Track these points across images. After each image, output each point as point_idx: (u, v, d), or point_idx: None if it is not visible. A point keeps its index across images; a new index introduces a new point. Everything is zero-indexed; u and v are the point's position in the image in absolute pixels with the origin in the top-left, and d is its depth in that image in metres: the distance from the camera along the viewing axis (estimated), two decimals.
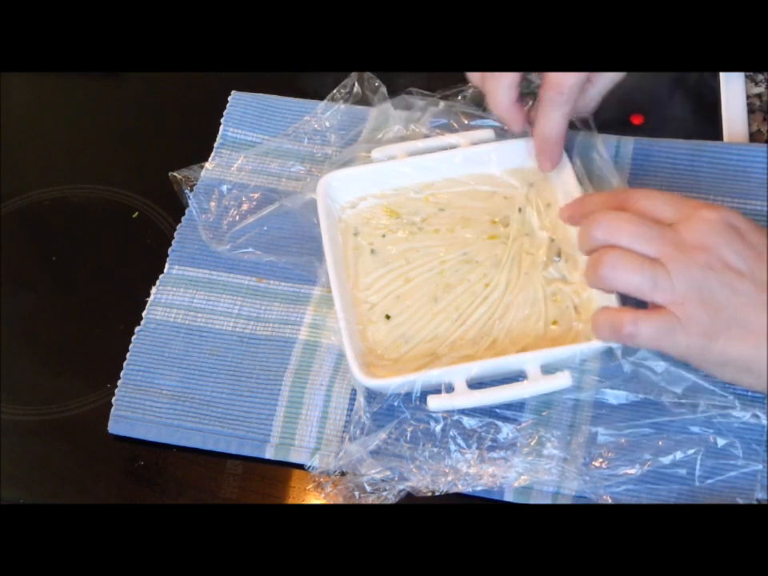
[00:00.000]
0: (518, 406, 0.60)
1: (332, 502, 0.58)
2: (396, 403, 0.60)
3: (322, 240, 0.65)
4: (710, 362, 0.53)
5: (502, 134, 0.68)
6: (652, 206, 0.55)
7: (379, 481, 0.58)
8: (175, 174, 0.72)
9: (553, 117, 0.62)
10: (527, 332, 0.61)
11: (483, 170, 0.68)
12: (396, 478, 0.58)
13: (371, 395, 0.60)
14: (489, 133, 0.68)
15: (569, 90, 0.61)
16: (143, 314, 0.67)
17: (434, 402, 0.58)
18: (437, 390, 0.58)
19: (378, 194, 0.68)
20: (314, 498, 0.60)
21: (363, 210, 0.68)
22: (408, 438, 0.59)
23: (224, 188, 0.72)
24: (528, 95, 0.67)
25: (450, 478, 0.58)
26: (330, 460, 0.59)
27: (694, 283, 0.52)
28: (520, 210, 0.67)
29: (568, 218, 0.60)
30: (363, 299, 0.64)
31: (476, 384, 0.59)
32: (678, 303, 0.52)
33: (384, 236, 0.67)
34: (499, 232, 0.66)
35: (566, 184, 0.65)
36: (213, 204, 0.71)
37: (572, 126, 0.69)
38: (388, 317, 0.63)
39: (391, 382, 0.59)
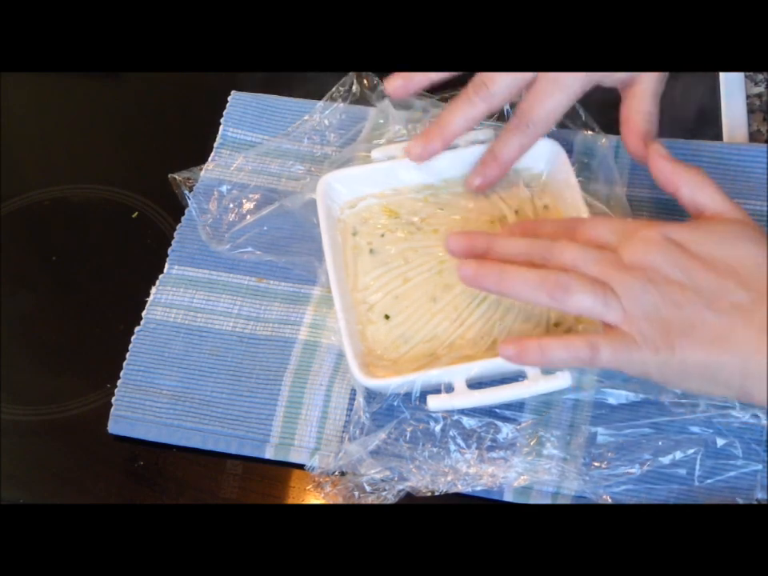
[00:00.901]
0: (518, 405, 0.61)
1: (331, 502, 0.58)
2: (396, 403, 0.60)
3: (322, 240, 0.65)
4: (673, 377, 0.53)
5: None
6: (596, 233, 0.57)
7: (379, 481, 0.58)
8: (175, 175, 0.72)
9: (512, 142, 0.64)
10: (528, 333, 0.61)
11: None
12: (396, 478, 0.58)
13: (371, 395, 0.60)
14: (488, 133, 0.68)
15: (536, 124, 0.63)
16: (143, 314, 0.67)
17: (434, 402, 0.58)
18: (436, 390, 0.58)
19: (378, 194, 0.68)
20: (314, 498, 0.60)
21: (362, 209, 0.68)
22: (407, 437, 0.59)
23: (224, 188, 0.72)
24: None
25: (449, 478, 0.58)
26: (330, 460, 0.59)
27: (638, 300, 0.53)
28: (517, 212, 0.67)
29: (519, 233, 0.61)
30: (362, 299, 0.64)
31: (476, 384, 0.59)
32: (629, 322, 0.53)
33: (383, 236, 0.67)
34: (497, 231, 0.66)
35: (566, 185, 0.65)
36: (212, 204, 0.71)
37: (570, 125, 0.69)
38: (387, 317, 0.63)
39: (391, 382, 0.59)
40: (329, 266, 0.64)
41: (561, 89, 0.62)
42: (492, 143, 0.65)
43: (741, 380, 0.52)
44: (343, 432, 0.61)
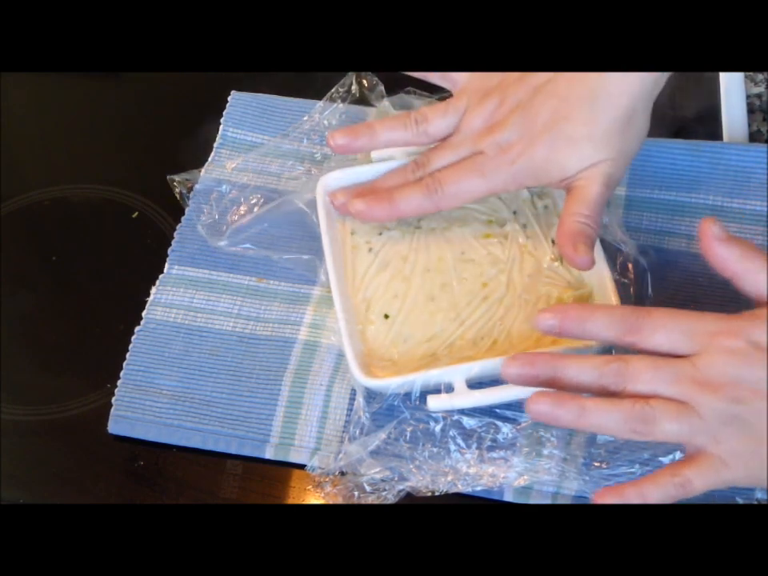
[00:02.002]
0: (518, 405, 0.60)
1: (331, 502, 0.58)
2: (396, 403, 0.60)
3: (322, 239, 0.65)
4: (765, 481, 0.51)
5: None
6: (665, 338, 0.51)
7: (379, 481, 0.58)
8: (174, 177, 0.72)
9: (413, 197, 0.63)
10: (528, 334, 0.61)
11: None
12: (396, 478, 0.58)
13: (371, 395, 0.60)
14: None
15: (444, 195, 0.62)
16: (143, 314, 0.67)
17: (434, 402, 0.58)
18: (436, 390, 0.58)
19: None
20: (314, 498, 0.60)
21: None
22: (407, 437, 0.59)
23: (224, 188, 0.72)
24: None
25: (449, 478, 0.58)
26: (330, 460, 0.59)
27: (727, 420, 0.49)
28: (515, 212, 0.67)
29: (559, 330, 0.54)
30: (362, 299, 0.64)
31: (476, 384, 0.59)
32: (716, 443, 0.50)
33: (381, 234, 0.67)
34: (495, 231, 0.66)
35: None
36: (212, 204, 0.71)
37: None
38: (387, 316, 0.63)
39: (391, 382, 0.59)
40: (328, 265, 0.64)
41: (483, 176, 0.62)
42: (393, 182, 0.64)
43: None
44: (343, 432, 0.61)
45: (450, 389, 0.58)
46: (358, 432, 0.60)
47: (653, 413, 0.50)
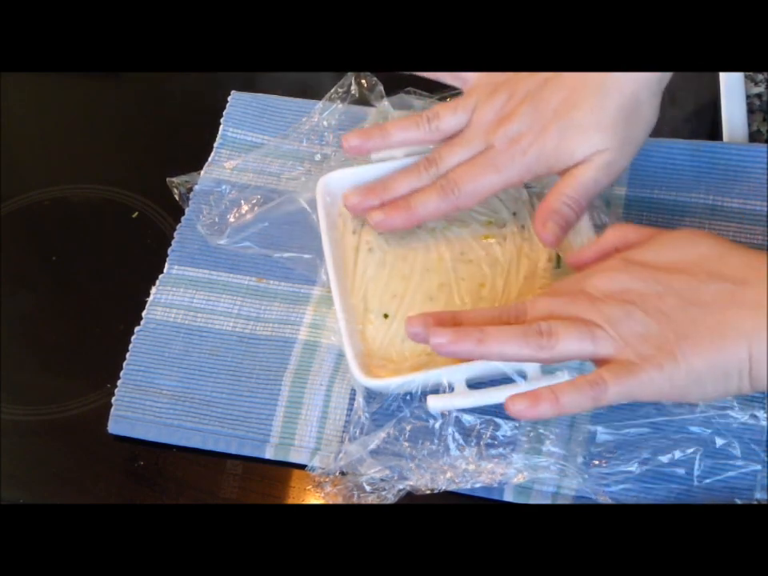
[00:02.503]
0: None
1: (331, 502, 0.58)
2: (395, 402, 0.60)
3: (322, 239, 0.65)
4: (687, 389, 0.52)
5: None
6: (553, 289, 0.57)
7: (378, 480, 0.58)
8: (173, 179, 0.72)
9: (431, 201, 0.63)
10: None
11: None
12: (395, 477, 0.58)
13: (370, 395, 0.60)
14: None
15: (461, 195, 0.62)
16: (143, 314, 0.67)
17: (434, 402, 0.58)
18: (436, 390, 0.58)
19: None
20: (314, 498, 0.60)
21: None
22: (407, 436, 0.59)
23: (224, 188, 0.72)
24: None
25: (449, 476, 0.58)
26: (330, 460, 0.59)
27: (624, 324, 0.52)
28: (515, 213, 0.67)
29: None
30: (361, 298, 0.64)
31: (476, 384, 0.59)
32: (622, 348, 0.52)
33: (381, 234, 0.67)
34: (494, 232, 0.66)
35: None
36: (212, 204, 0.71)
37: None
38: (386, 315, 0.63)
39: (390, 382, 0.59)
40: (328, 265, 0.64)
41: (498, 170, 0.62)
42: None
43: (750, 364, 0.50)
44: (343, 432, 0.61)
45: (449, 388, 0.58)
46: (357, 432, 0.60)
47: (551, 327, 0.53)
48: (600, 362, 0.53)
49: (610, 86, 0.60)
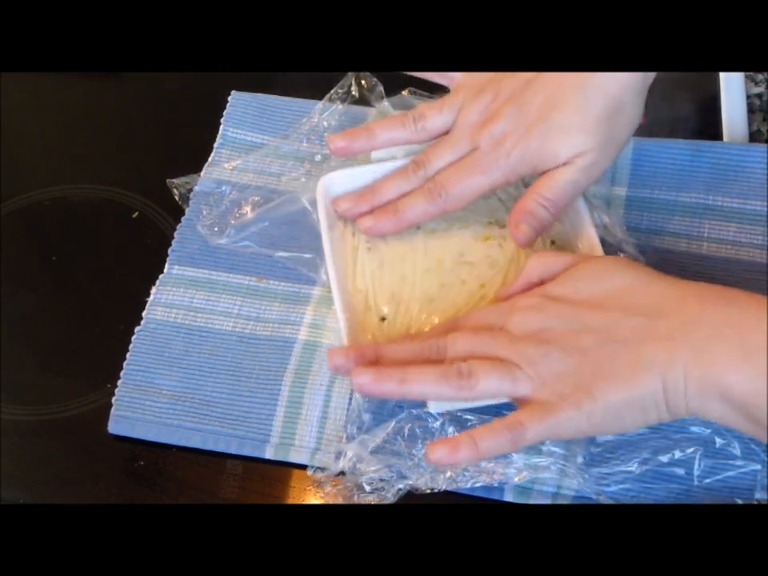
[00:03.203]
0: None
1: (331, 502, 0.58)
2: (394, 402, 0.60)
3: (322, 240, 0.65)
4: (605, 424, 0.52)
5: None
6: (478, 319, 0.57)
7: (378, 480, 0.58)
8: (173, 181, 0.72)
9: (418, 205, 0.64)
10: None
11: None
12: (395, 477, 0.58)
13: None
14: None
15: (448, 197, 0.63)
16: (143, 314, 0.67)
17: (434, 402, 0.58)
18: None
19: None
20: (314, 498, 0.60)
21: None
22: (406, 435, 0.59)
23: (224, 189, 0.72)
24: None
25: (448, 475, 0.58)
26: (330, 460, 0.59)
27: (541, 364, 0.53)
28: None
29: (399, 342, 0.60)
30: (361, 299, 0.64)
31: None
32: (540, 388, 0.52)
33: None
34: (494, 233, 0.66)
35: None
36: (212, 204, 0.71)
37: None
38: (385, 317, 0.63)
39: None
40: (329, 265, 0.64)
41: (484, 172, 0.62)
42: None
43: (665, 396, 0.50)
44: (343, 432, 0.61)
45: None
46: (355, 430, 0.60)
47: (471, 367, 0.54)
48: (519, 401, 0.54)
49: (591, 87, 0.60)
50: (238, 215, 0.70)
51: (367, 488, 0.58)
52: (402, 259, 0.66)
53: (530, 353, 0.53)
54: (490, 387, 0.53)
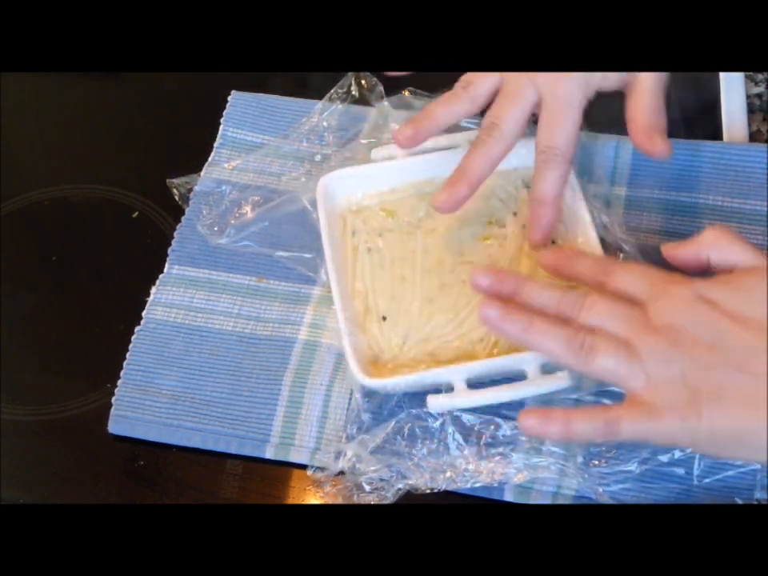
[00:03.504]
0: (518, 403, 0.60)
1: (331, 502, 0.58)
2: (394, 402, 0.60)
3: (322, 240, 0.65)
4: (701, 444, 0.51)
5: None
6: (628, 282, 0.54)
7: (378, 480, 0.58)
8: (173, 181, 0.72)
9: (550, 177, 0.62)
10: None
11: None
12: (395, 477, 0.58)
13: (369, 394, 0.60)
14: None
15: (563, 151, 0.61)
16: (143, 314, 0.67)
17: (434, 402, 0.58)
18: (436, 390, 0.58)
19: (376, 194, 0.68)
20: (314, 498, 0.60)
21: (361, 209, 0.68)
22: (406, 435, 0.59)
23: (224, 188, 0.72)
24: None
25: (448, 475, 0.58)
26: (330, 460, 0.59)
27: (662, 366, 0.50)
28: (515, 213, 0.67)
29: (551, 269, 0.59)
30: (361, 299, 0.64)
31: (476, 384, 0.59)
32: (651, 389, 0.50)
33: (381, 235, 0.67)
34: (494, 233, 0.66)
35: (566, 185, 0.65)
36: (212, 204, 0.71)
37: None
38: (385, 317, 0.63)
39: (389, 382, 0.59)
40: (329, 265, 0.64)
41: (570, 104, 0.61)
42: (533, 190, 0.63)
43: None
44: (343, 432, 0.61)
45: (449, 388, 0.58)
46: (355, 430, 0.60)
47: (594, 342, 0.52)
48: (627, 393, 0.52)
49: None
50: (237, 215, 0.70)
51: (367, 488, 0.58)
52: (402, 259, 0.66)
53: (658, 352, 0.50)
54: (605, 369, 0.51)
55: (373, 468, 0.58)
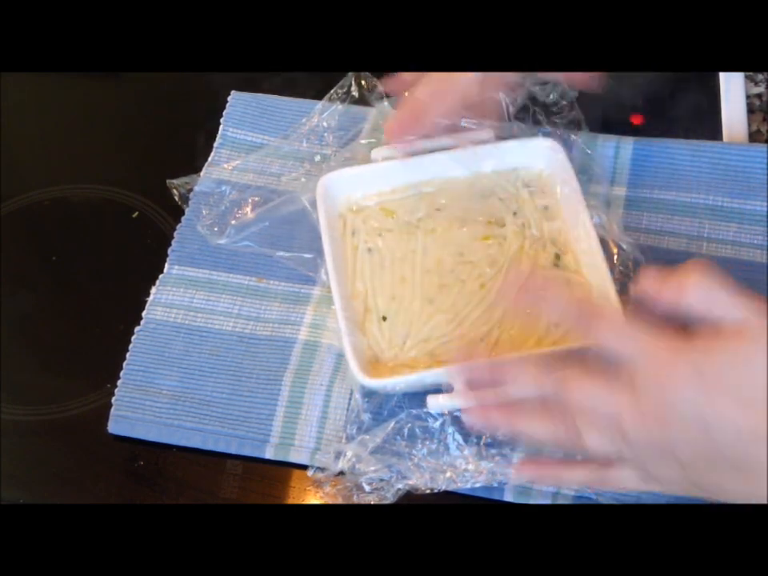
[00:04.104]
0: None
1: (331, 502, 0.58)
2: (394, 402, 0.60)
3: (322, 240, 0.65)
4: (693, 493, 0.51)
5: (501, 135, 0.68)
6: (615, 340, 0.50)
7: (378, 480, 0.58)
8: (173, 182, 0.72)
9: None
10: (529, 334, 0.61)
11: (480, 170, 0.68)
12: (395, 477, 0.58)
13: (369, 394, 0.60)
14: (488, 133, 0.68)
15: None
16: (143, 314, 0.67)
17: (434, 402, 0.58)
18: (435, 390, 0.58)
19: (376, 194, 0.68)
20: (314, 498, 0.60)
21: (361, 209, 0.68)
22: (406, 435, 0.59)
23: (224, 188, 0.72)
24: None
25: (448, 475, 0.58)
26: (330, 461, 0.59)
27: (649, 449, 0.49)
28: (515, 213, 0.67)
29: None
30: (361, 299, 0.64)
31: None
32: (643, 465, 0.51)
33: (380, 235, 0.67)
34: (494, 233, 0.66)
35: (566, 185, 0.65)
36: (212, 204, 0.71)
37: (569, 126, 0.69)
38: (385, 317, 0.63)
39: (389, 382, 0.59)
40: (329, 265, 0.64)
41: None
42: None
43: None
44: (343, 432, 0.61)
45: (449, 389, 0.58)
46: (355, 431, 0.60)
47: (579, 431, 0.50)
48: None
49: None
50: (238, 215, 0.70)
51: (367, 488, 0.58)
52: (402, 259, 0.66)
53: (644, 456, 0.50)
54: (595, 446, 0.50)
55: (373, 468, 0.58)
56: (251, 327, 0.66)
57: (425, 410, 0.59)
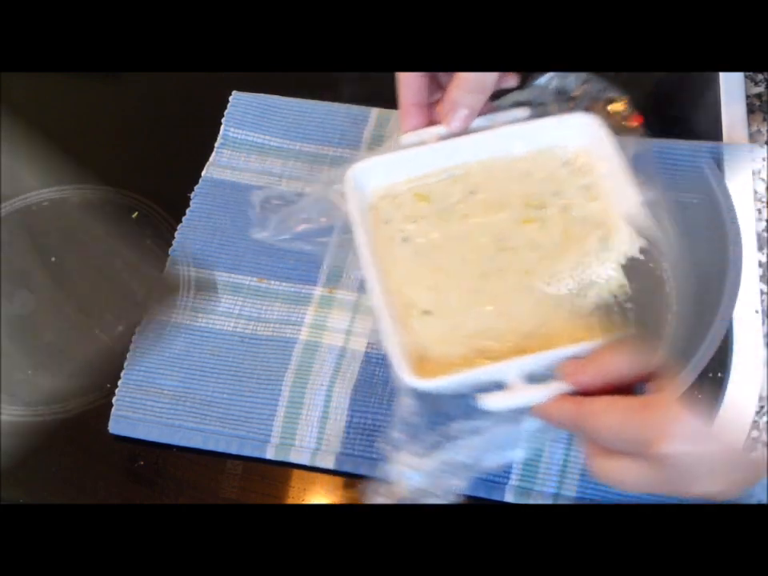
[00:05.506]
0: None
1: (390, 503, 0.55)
2: (444, 403, 0.55)
3: (353, 232, 0.60)
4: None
5: (536, 113, 0.64)
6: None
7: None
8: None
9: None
10: (581, 323, 0.57)
11: (516, 150, 0.63)
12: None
13: (420, 396, 0.56)
14: (524, 112, 0.63)
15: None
16: (143, 315, 0.67)
17: (492, 401, 0.53)
18: (488, 388, 0.53)
19: (408, 180, 0.63)
20: (314, 498, 0.60)
21: (394, 197, 0.63)
22: (454, 438, 0.55)
23: (224, 188, 0.72)
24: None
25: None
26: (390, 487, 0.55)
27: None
28: (555, 193, 0.62)
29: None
30: (398, 292, 0.59)
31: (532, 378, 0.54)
32: None
33: (415, 222, 0.62)
34: (534, 215, 0.61)
35: (608, 161, 0.61)
36: (212, 204, 0.71)
37: None
38: (427, 311, 0.58)
39: (439, 382, 0.54)
40: (362, 257, 0.59)
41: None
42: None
43: None
44: (344, 432, 0.61)
45: (502, 386, 0.53)
46: (403, 437, 0.55)
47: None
48: None
49: None
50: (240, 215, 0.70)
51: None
52: (439, 248, 0.61)
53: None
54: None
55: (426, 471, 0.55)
56: (252, 327, 0.66)
57: (479, 409, 0.53)
